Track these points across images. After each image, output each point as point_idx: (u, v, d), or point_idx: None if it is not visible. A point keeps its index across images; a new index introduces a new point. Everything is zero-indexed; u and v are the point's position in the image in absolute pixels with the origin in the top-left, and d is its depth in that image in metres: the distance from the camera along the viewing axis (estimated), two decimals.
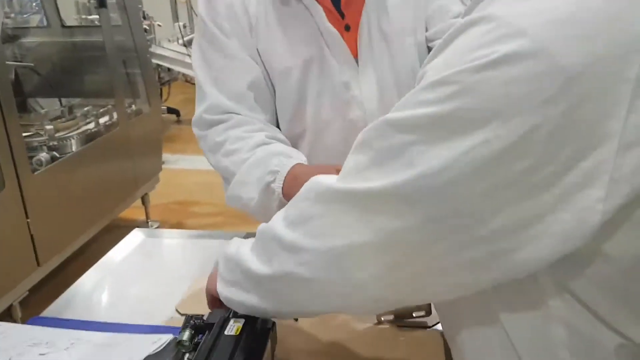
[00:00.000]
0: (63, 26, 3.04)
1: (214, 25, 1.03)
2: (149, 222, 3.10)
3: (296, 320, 0.88)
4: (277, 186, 0.94)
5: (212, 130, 1.04)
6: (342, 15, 1.02)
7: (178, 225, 3.10)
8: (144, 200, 3.07)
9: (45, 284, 2.25)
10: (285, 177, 0.94)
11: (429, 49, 1.09)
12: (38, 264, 2.16)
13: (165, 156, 3.33)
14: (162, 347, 0.73)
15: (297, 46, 1.02)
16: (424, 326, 0.84)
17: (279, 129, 1.09)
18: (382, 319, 0.86)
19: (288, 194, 0.93)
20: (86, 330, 0.80)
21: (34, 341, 0.75)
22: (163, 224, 3.12)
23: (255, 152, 0.99)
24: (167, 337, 0.75)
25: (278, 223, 0.61)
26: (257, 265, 0.63)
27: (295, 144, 1.09)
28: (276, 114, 1.10)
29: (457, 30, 0.48)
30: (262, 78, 1.05)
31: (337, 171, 0.82)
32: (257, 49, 1.04)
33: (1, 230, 1.98)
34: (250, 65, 1.04)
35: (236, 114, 1.03)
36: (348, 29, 1.03)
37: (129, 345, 0.72)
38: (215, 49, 1.03)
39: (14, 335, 0.78)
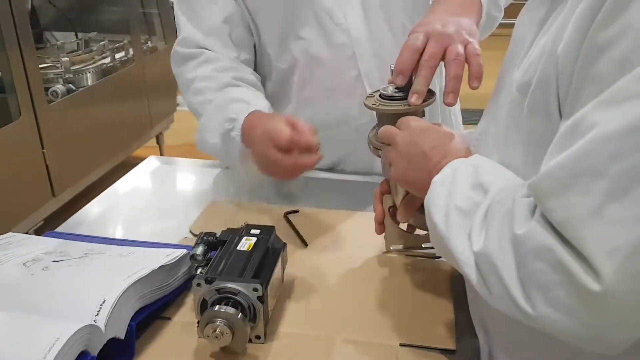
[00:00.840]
0: None
1: None
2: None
3: (306, 245, 0.89)
4: (236, 134, 0.93)
5: (185, 66, 1.03)
6: None
7: None
8: (159, 139, 3.08)
9: (60, 216, 2.29)
10: (242, 125, 0.92)
11: None
12: (53, 195, 2.20)
13: (180, 98, 3.30)
14: (175, 260, 0.74)
15: None
16: (432, 257, 0.85)
17: (257, 70, 1.08)
18: (392, 247, 0.87)
19: (247, 142, 0.91)
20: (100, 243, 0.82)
21: (48, 249, 0.77)
22: None
23: (217, 95, 0.98)
24: (180, 251, 0.76)
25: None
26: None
27: (285, 81, 1.08)
28: (255, 53, 1.08)
29: None
30: (238, 14, 1.03)
31: (289, 122, 0.81)
32: None
33: (17, 159, 2.01)
34: (228, 3, 1.02)
35: (208, 49, 1.02)
36: None
37: (142, 257, 0.74)
38: None
39: (29, 244, 0.79)
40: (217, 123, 0.95)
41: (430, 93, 0.78)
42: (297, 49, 1.04)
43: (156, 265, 0.71)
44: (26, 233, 2.08)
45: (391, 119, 0.75)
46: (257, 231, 0.77)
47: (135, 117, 2.82)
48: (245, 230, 0.77)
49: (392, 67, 0.76)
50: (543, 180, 0.48)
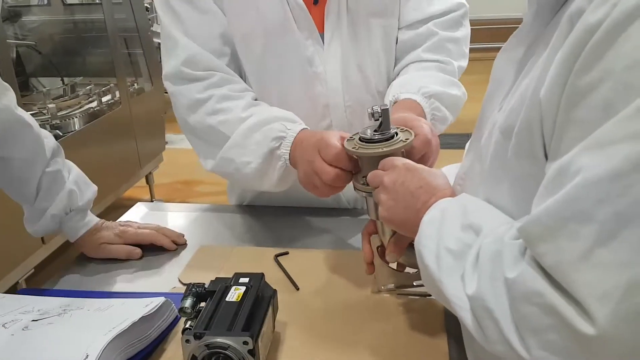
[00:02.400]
0: (64, 4, 3.01)
1: None
2: (154, 201, 3.11)
3: (297, 288, 0.88)
4: (284, 152, 0.93)
5: (192, 85, 0.99)
6: None
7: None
8: (148, 179, 3.08)
9: (51, 262, 2.27)
10: (292, 144, 0.93)
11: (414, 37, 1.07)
12: (43, 242, 2.17)
13: (169, 136, 3.32)
14: (155, 310, 0.73)
15: (262, 12, 0.99)
16: (425, 295, 0.84)
17: None
18: (383, 287, 0.86)
19: (295, 162, 0.92)
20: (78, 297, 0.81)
21: (26, 309, 0.76)
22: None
23: (252, 113, 0.97)
24: (159, 300, 0.75)
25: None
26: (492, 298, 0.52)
27: None
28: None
29: (616, 27, 0.44)
30: (229, 34, 1.01)
31: (342, 138, 0.82)
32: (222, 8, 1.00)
33: (7, 207, 1.99)
34: (223, 20, 1.00)
35: (218, 71, 0.99)
36: (316, 3, 1.01)
37: (121, 309, 0.73)
38: (185, 2, 0.99)
39: (5, 304, 0.78)
40: (257, 141, 0.94)
41: (409, 133, 0.78)
42: (272, 88, 1.04)
43: (136, 317, 0.70)
44: (17, 282, 2.08)
45: (373, 161, 0.76)
46: (246, 279, 0.76)
47: (124, 158, 2.82)
48: (234, 279, 0.77)
49: (370, 110, 0.77)
50: (532, 225, 0.48)
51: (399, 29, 1.08)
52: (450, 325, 0.77)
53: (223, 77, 1.00)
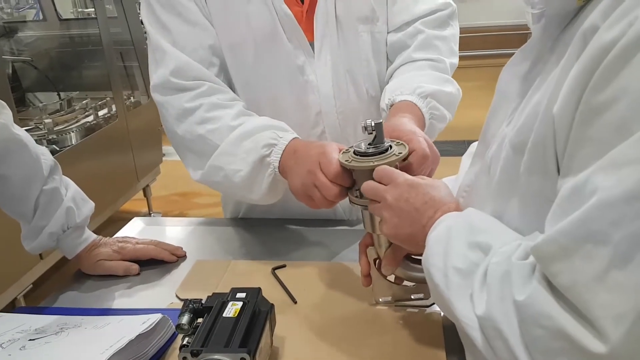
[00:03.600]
0: (60, 19, 3.03)
1: None
2: (152, 214, 3.11)
3: (295, 302, 0.88)
4: (274, 160, 0.93)
5: (180, 95, 0.98)
6: None
7: (180, 216, 3.11)
8: (146, 192, 3.08)
9: (49, 277, 2.26)
10: (283, 152, 0.93)
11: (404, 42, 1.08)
12: (41, 257, 2.17)
13: (166, 149, 3.32)
14: (152, 327, 0.73)
15: (251, 22, 0.99)
16: (423, 306, 0.84)
17: None
18: (380, 300, 0.86)
19: (286, 170, 0.92)
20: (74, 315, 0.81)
21: (23, 328, 0.76)
22: (165, 215, 3.13)
23: (242, 122, 0.96)
24: (156, 317, 0.75)
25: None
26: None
27: None
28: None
29: (632, 46, 0.44)
30: (218, 44, 1.01)
31: (339, 150, 0.83)
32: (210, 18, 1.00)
33: (4, 224, 1.99)
34: (212, 32, 1.00)
35: (207, 81, 0.99)
36: (305, 12, 1.02)
37: (118, 327, 0.73)
38: (172, 13, 0.99)
39: (2, 324, 0.78)
40: (247, 149, 0.94)
41: (403, 146, 0.79)
42: (263, 97, 1.04)
43: (133, 335, 0.70)
44: (16, 298, 2.07)
45: (367, 174, 0.76)
46: (243, 294, 0.76)
47: (121, 172, 2.82)
48: (231, 294, 0.77)
49: (364, 123, 0.77)
50: (547, 245, 0.48)
51: (387, 32, 1.09)
52: (449, 338, 0.77)
53: (212, 87, 0.99)
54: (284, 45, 1.01)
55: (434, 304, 0.84)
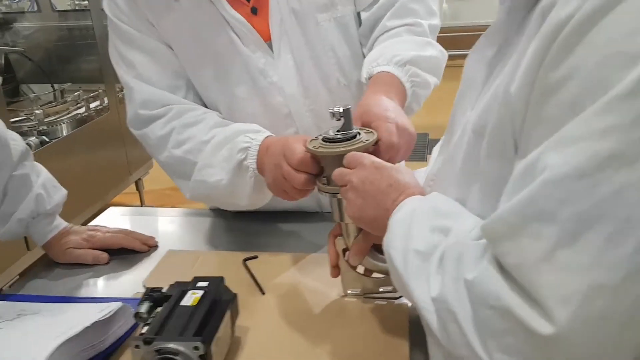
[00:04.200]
0: (54, 10, 3.01)
1: (122, 23, 0.99)
2: (143, 207, 3.09)
3: (263, 293, 0.87)
4: (251, 162, 0.92)
5: (152, 125, 0.99)
6: None
7: None
8: (138, 185, 3.06)
9: (34, 269, 2.25)
10: (257, 152, 0.92)
11: (372, 20, 1.03)
12: (28, 248, 2.16)
13: None
14: (110, 315, 0.72)
15: (204, 37, 0.97)
16: (392, 298, 0.83)
17: None
18: (349, 292, 0.84)
19: (262, 169, 0.91)
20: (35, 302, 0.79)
21: None
22: None
23: (215, 133, 0.96)
24: (115, 305, 0.74)
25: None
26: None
27: None
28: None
29: (586, 22, 0.43)
30: (182, 68, 1.01)
31: (305, 140, 0.81)
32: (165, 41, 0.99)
33: None
34: (171, 56, 1.00)
35: (175, 104, 0.99)
36: (255, 12, 0.98)
37: (76, 314, 0.71)
38: (132, 47, 0.99)
39: None
40: (224, 158, 0.93)
41: (372, 134, 0.77)
42: (230, 108, 1.02)
43: (88, 322, 0.68)
44: (1, 289, 2.06)
45: (337, 160, 0.74)
46: (205, 284, 0.75)
47: (113, 164, 2.80)
48: (192, 283, 0.75)
49: (331, 110, 0.75)
50: (495, 224, 0.47)
51: (359, 12, 1.04)
52: (414, 331, 0.76)
53: (180, 109, 0.99)
54: (241, 51, 0.98)
55: (402, 296, 0.83)
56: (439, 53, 1.03)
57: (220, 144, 0.95)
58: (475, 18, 4.96)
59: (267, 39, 0.99)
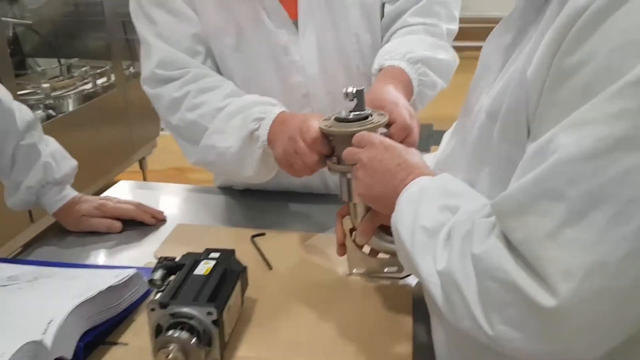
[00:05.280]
0: None
1: None
2: (153, 182, 3.11)
3: (270, 268, 0.89)
4: (262, 133, 0.93)
5: (168, 86, 1.00)
6: None
7: None
8: (142, 164, 3.08)
9: (37, 242, 2.27)
10: (271, 124, 0.93)
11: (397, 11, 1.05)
12: (32, 221, 2.18)
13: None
14: (124, 280, 0.74)
15: (232, 6, 0.99)
16: (396, 277, 0.85)
17: None
18: (354, 271, 0.87)
19: (273, 140, 0.92)
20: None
21: None
22: None
23: (230, 102, 0.97)
24: (129, 271, 0.76)
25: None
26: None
27: None
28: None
29: (602, 11, 0.45)
30: (203, 33, 1.01)
31: (322, 118, 0.83)
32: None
33: None
34: (195, 20, 1.00)
35: (193, 68, 1.00)
36: None
37: (91, 279, 0.74)
38: (156, 4, 1.00)
39: None
40: (237, 126, 0.94)
41: (383, 116, 0.79)
42: (248, 81, 1.03)
43: (104, 286, 0.71)
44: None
45: (348, 140, 0.76)
46: (217, 255, 0.77)
47: (117, 142, 2.82)
48: (205, 254, 0.77)
49: (345, 90, 0.77)
50: (505, 201, 0.49)
51: (384, 3, 1.06)
52: (418, 309, 0.78)
53: (197, 73, 1.00)
54: (265, 25, 0.99)
55: (407, 276, 0.85)
56: (452, 58, 1.05)
57: (234, 113, 0.96)
58: (484, 11, 4.96)
59: (294, 17, 1.00)
